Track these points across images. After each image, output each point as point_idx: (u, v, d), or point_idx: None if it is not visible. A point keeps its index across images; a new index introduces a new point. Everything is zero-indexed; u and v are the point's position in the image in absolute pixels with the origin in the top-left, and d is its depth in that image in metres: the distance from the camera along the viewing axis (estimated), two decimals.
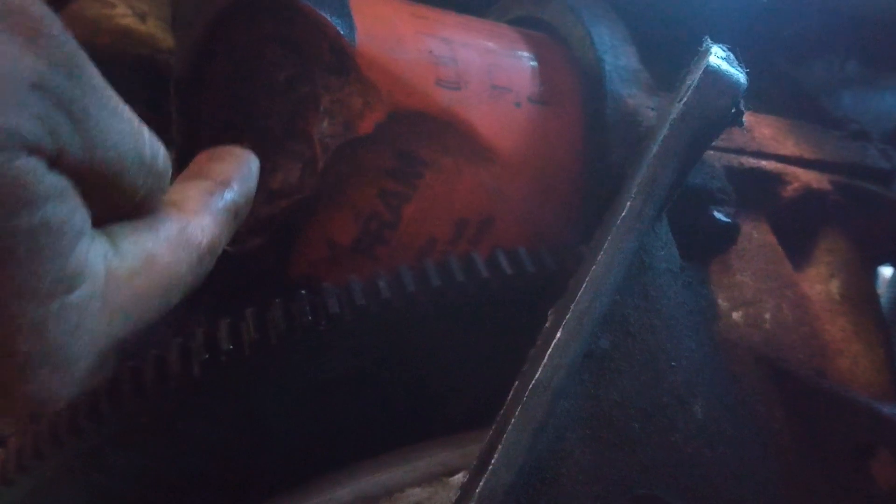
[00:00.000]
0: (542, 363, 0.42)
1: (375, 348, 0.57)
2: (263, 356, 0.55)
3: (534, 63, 0.70)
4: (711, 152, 0.65)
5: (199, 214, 0.45)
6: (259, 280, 0.69)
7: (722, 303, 0.61)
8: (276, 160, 0.66)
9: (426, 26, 0.65)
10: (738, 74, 0.49)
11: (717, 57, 0.50)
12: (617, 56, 0.69)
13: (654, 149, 0.48)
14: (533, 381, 0.42)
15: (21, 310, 0.32)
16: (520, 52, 0.70)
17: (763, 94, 0.86)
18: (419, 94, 0.62)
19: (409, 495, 0.51)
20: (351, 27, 0.60)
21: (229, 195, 0.48)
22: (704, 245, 0.60)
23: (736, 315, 0.60)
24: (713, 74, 0.48)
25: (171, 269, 0.41)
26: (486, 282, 0.58)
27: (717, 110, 0.48)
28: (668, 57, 0.64)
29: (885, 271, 1.36)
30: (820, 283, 0.69)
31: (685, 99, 0.48)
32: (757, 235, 0.65)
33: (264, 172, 0.67)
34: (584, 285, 0.44)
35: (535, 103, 0.68)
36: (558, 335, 0.43)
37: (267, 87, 0.66)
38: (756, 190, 0.67)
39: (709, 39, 0.53)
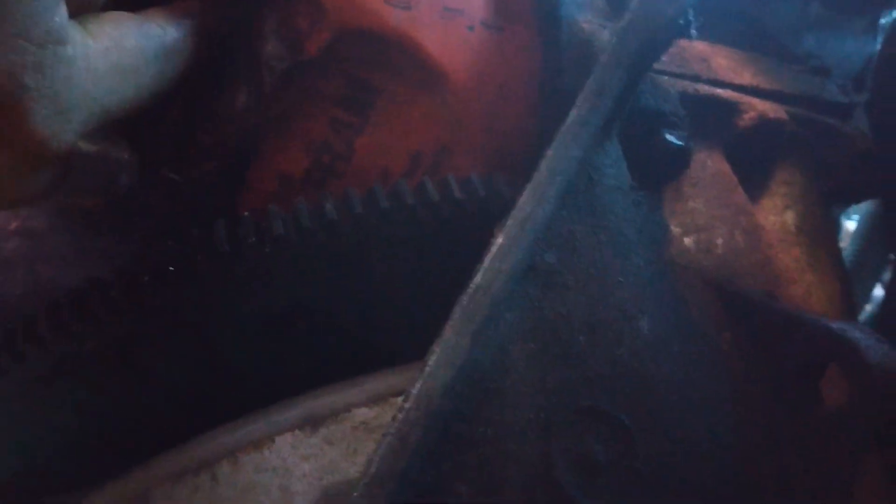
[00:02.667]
0: (482, 268, 0.41)
1: (324, 275, 0.56)
2: (209, 279, 0.53)
3: None
4: (666, 78, 0.64)
5: (156, 16, 0.54)
6: (208, 211, 0.67)
7: (674, 228, 0.60)
8: (222, 83, 0.64)
9: None
10: None
11: None
12: None
13: (602, 58, 0.47)
14: (471, 286, 0.40)
15: (24, 49, 0.40)
16: None
17: (726, 34, 0.85)
18: (367, 12, 0.60)
19: (355, 415, 0.50)
20: None
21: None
22: (657, 168, 0.59)
23: (687, 240, 0.60)
24: None
25: (138, 52, 0.50)
26: (437, 205, 0.56)
27: (664, 18, 0.47)
28: None
29: (849, 224, 1.37)
30: (775, 213, 0.68)
31: (632, 6, 0.47)
32: (711, 164, 0.65)
33: (210, 97, 0.65)
34: (525, 192, 0.43)
35: (488, 27, 0.66)
36: (498, 241, 0.42)
37: (207, 6, 0.63)
38: (711, 118, 0.66)
39: None
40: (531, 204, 0.43)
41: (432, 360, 0.38)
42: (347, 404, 0.50)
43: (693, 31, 0.49)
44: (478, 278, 0.41)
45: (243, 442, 0.48)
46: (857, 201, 0.97)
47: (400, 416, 0.38)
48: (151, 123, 0.66)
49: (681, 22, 0.48)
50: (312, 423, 0.49)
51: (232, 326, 0.55)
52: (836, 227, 1.24)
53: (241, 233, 0.53)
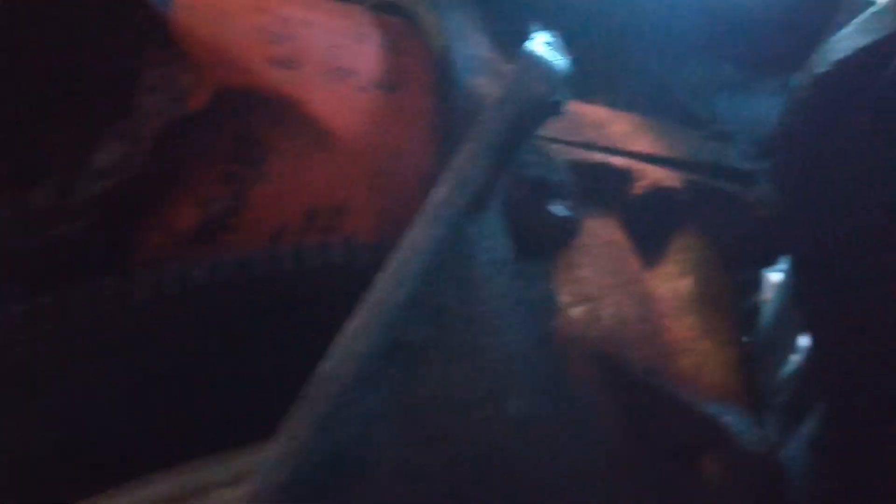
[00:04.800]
0: (334, 351, 0.39)
1: (190, 341, 0.53)
2: (64, 346, 0.50)
3: (383, 47, 0.67)
4: (558, 145, 0.64)
5: None
6: (91, 267, 0.64)
7: (563, 298, 0.59)
8: (100, 137, 0.62)
9: (262, 1, 0.62)
10: (559, 61, 0.47)
11: (539, 43, 0.48)
12: (467, 45, 0.66)
13: (468, 137, 0.46)
14: (320, 370, 0.38)
15: None
16: (369, 36, 0.67)
17: (629, 95, 0.85)
18: (248, 71, 0.59)
19: (217, 495, 0.47)
20: None
21: None
22: (544, 239, 0.58)
23: (575, 311, 0.58)
24: (530, 60, 0.46)
25: None
26: (313, 272, 0.55)
27: (534, 97, 0.46)
28: None
29: (773, 276, 1.39)
30: (670, 281, 0.68)
31: (505, 86, 0.46)
32: (603, 232, 0.64)
33: (88, 150, 0.62)
34: (384, 272, 0.42)
35: (381, 88, 0.65)
36: (351, 324, 0.40)
37: (89, 58, 0.61)
38: (604, 186, 0.66)
39: (534, 24, 0.51)
40: (391, 283, 0.41)
41: (273, 453, 0.36)
42: (209, 483, 0.47)
43: (563, 110, 0.49)
44: (329, 362, 0.39)
45: None
46: (761, 267, 0.97)
47: None
48: (28, 176, 0.63)
49: (555, 100, 0.48)
50: (170, 502, 0.46)
51: (88, 394, 0.52)
52: (755, 285, 1.25)
53: (100, 298, 0.50)
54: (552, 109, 0.48)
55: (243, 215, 0.64)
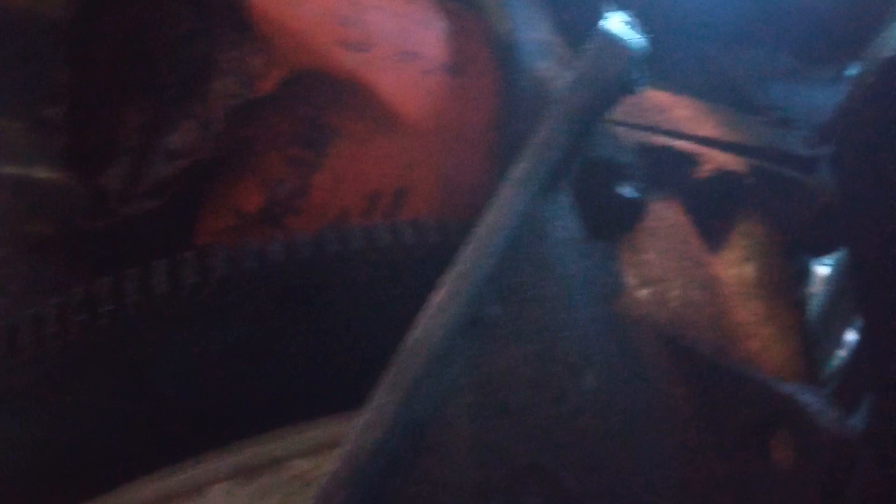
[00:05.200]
0: (419, 324, 0.40)
1: (267, 317, 0.54)
2: (147, 318, 0.52)
3: (448, 32, 0.68)
4: (624, 129, 0.64)
5: None
6: (160, 245, 0.66)
7: (628, 280, 0.59)
8: (174, 119, 0.63)
9: None
10: (636, 40, 0.47)
11: (616, 22, 0.48)
12: (531, 28, 0.67)
13: (548, 113, 0.46)
14: (407, 343, 0.39)
15: None
16: (433, 20, 0.68)
17: (689, 81, 0.85)
18: (320, 53, 0.59)
19: (292, 466, 0.48)
20: None
21: None
22: (611, 220, 0.59)
23: (642, 293, 0.58)
24: (608, 39, 0.46)
25: None
26: (387, 250, 0.55)
27: (612, 74, 0.46)
28: None
29: (822, 270, 1.37)
30: (734, 266, 0.67)
31: (581, 63, 0.46)
32: (668, 215, 0.64)
33: (161, 132, 0.64)
34: (468, 247, 0.42)
35: (446, 72, 0.66)
36: (438, 295, 0.41)
37: (164, 42, 0.63)
38: (669, 169, 0.66)
39: (607, 4, 0.51)
40: (472, 258, 0.42)
41: (362, 420, 0.37)
42: (284, 454, 0.48)
43: (638, 88, 0.49)
44: (415, 334, 0.39)
45: (173, 491, 0.45)
46: (821, 255, 0.96)
47: (324, 479, 0.36)
48: (103, 156, 0.65)
49: (629, 78, 0.48)
50: (247, 472, 0.47)
51: (169, 367, 0.53)
52: (807, 275, 1.24)
53: (182, 273, 0.51)
54: (629, 88, 0.48)
55: (308, 198, 0.65)
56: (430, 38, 0.66)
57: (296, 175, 0.65)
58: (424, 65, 0.65)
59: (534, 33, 0.67)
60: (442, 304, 0.40)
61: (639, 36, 0.49)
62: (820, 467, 0.45)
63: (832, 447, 0.44)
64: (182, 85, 0.62)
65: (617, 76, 0.47)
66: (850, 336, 1.24)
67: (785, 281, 0.70)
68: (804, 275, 1.22)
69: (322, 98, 0.63)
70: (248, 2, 0.58)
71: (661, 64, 0.86)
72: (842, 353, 1.24)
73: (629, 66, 0.47)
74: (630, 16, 0.50)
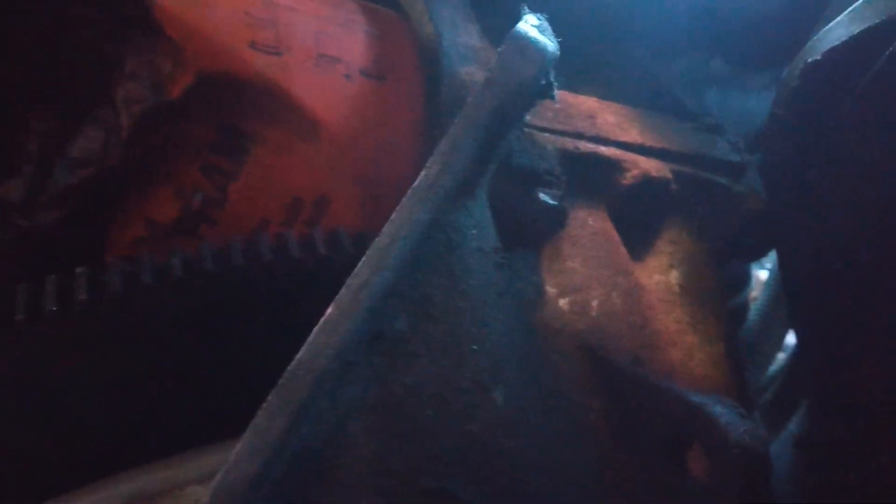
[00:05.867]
0: (308, 342, 0.38)
1: (167, 335, 0.52)
2: (35, 339, 0.49)
3: (371, 35, 0.66)
4: (547, 134, 0.63)
5: None
6: (65, 258, 0.63)
7: (550, 289, 0.58)
8: (78, 126, 0.60)
9: None
10: (548, 43, 0.46)
11: (528, 24, 0.47)
12: (457, 33, 0.65)
13: (456, 118, 0.45)
14: (292, 363, 0.37)
15: None
16: (356, 23, 0.66)
17: (620, 87, 0.84)
18: (230, 56, 0.57)
19: (188, 493, 0.46)
20: None
21: None
22: (531, 228, 0.58)
23: (563, 302, 0.58)
24: (519, 41, 0.45)
25: None
26: (298, 262, 0.54)
27: (523, 78, 0.45)
28: None
29: (761, 274, 1.39)
30: (659, 273, 0.67)
31: (491, 66, 0.45)
32: (592, 222, 0.63)
33: (63, 140, 0.61)
34: (362, 259, 0.40)
35: (368, 77, 0.64)
36: (328, 312, 0.39)
37: (69, 45, 0.60)
38: (593, 176, 0.65)
39: (525, 7, 0.50)
40: (368, 270, 0.40)
41: (237, 449, 0.35)
42: (182, 480, 0.46)
43: (555, 94, 0.48)
44: (301, 353, 0.37)
45: None
46: (751, 260, 0.97)
47: None
48: (4, 166, 0.62)
49: (542, 83, 0.47)
50: (142, 500, 0.45)
51: (64, 387, 0.50)
52: (746, 280, 1.25)
53: (73, 289, 0.49)
54: (542, 92, 0.47)
55: (225, 208, 0.63)
56: (351, 42, 0.65)
57: (212, 184, 0.63)
58: (345, 69, 0.63)
59: (458, 37, 0.66)
60: (335, 319, 0.38)
61: (551, 39, 0.47)
62: (733, 480, 0.45)
63: (742, 460, 0.43)
64: (88, 90, 0.60)
65: (528, 80, 0.45)
66: (791, 339, 1.26)
67: (710, 288, 0.70)
68: (743, 280, 1.23)
69: (236, 103, 0.61)
70: (156, 3, 0.55)
71: (594, 70, 0.86)
72: (782, 356, 1.25)
73: (541, 70, 0.46)
74: (544, 18, 0.49)
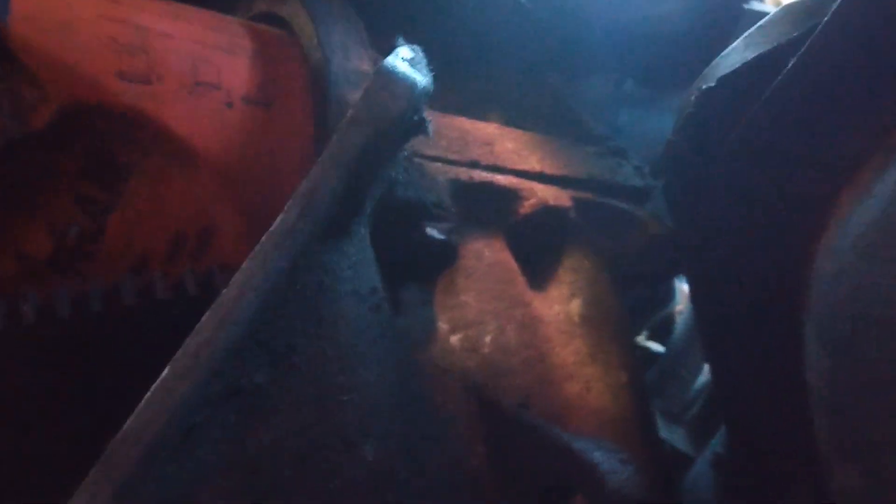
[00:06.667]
0: (136, 411, 0.35)
1: (29, 378, 0.48)
2: None
3: (256, 60, 0.63)
4: (439, 164, 0.61)
5: None
6: None
7: (441, 325, 0.56)
8: None
9: (114, 10, 0.57)
10: (420, 77, 0.44)
11: (400, 58, 0.44)
12: (347, 57, 0.63)
13: (319, 158, 0.42)
14: (118, 434, 0.34)
15: None
16: (240, 48, 0.63)
17: (527, 111, 0.83)
18: (95, 86, 0.54)
19: None
20: (3, 6, 0.51)
21: None
22: (420, 264, 0.55)
23: (454, 338, 0.55)
24: (387, 76, 0.43)
25: None
26: (163, 305, 0.50)
27: (390, 116, 0.42)
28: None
29: (686, 287, 1.39)
30: (559, 303, 0.65)
31: (355, 103, 0.42)
32: (489, 254, 0.61)
33: None
34: (206, 315, 0.38)
35: (252, 104, 0.62)
36: (163, 375, 0.36)
37: None
38: (490, 206, 0.63)
39: (401, 38, 0.47)
40: (211, 327, 0.37)
41: None
42: None
43: (428, 129, 0.46)
44: (127, 424, 0.34)
45: None
46: (655, 284, 0.97)
47: None
48: None
49: (413, 118, 0.44)
50: None
51: None
52: (671, 294, 1.25)
53: None
54: (413, 129, 0.45)
55: (103, 242, 0.59)
56: (233, 68, 0.62)
57: (87, 216, 0.59)
58: (225, 97, 0.60)
59: (349, 62, 0.64)
60: (166, 384, 0.35)
61: (424, 72, 0.45)
62: None
63: None
64: None
65: (396, 117, 0.43)
66: None
67: (613, 316, 0.69)
68: (669, 293, 1.23)
69: (109, 133, 0.58)
70: (9, 31, 0.52)
71: (501, 94, 0.84)
72: (707, 371, 1.26)
73: (410, 106, 0.43)
74: (417, 50, 0.47)
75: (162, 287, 0.51)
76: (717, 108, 0.64)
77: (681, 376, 1.23)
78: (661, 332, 1.29)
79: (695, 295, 0.79)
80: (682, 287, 1.39)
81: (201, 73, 0.59)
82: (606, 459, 0.44)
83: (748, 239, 0.62)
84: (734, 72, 0.63)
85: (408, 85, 0.43)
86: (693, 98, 0.65)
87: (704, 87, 0.65)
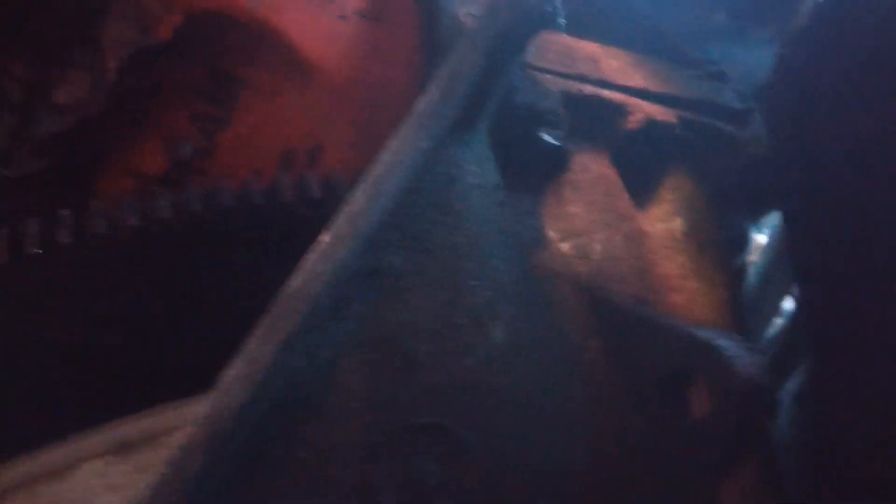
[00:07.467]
0: (300, 271, 0.36)
1: (152, 278, 0.50)
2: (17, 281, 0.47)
3: None
4: (550, 76, 0.61)
5: None
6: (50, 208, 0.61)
7: (551, 233, 0.57)
8: (62, 71, 0.58)
9: None
10: None
11: None
12: None
13: (458, 43, 0.43)
14: (284, 291, 0.36)
15: None
16: None
17: (623, 36, 0.82)
18: None
19: (171, 443, 0.44)
20: None
21: None
22: (533, 169, 0.56)
23: (564, 246, 0.56)
24: None
25: None
26: (289, 206, 0.52)
27: (526, 4, 0.43)
28: None
29: (760, 238, 1.37)
30: (662, 220, 0.65)
31: None
32: (595, 167, 0.61)
33: (46, 85, 0.59)
34: (359, 187, 0.39)
35: (364, 17, 0.62)
36: (323, 240, 0.37)
37: None
38: (596, 120, 0.63)
39: None
40: (363, 200, 0.38)
41: (227, 375, 0.33)
42: (162, 430, 0.44)
43: (561, 21, 0.46)
44: (293, 282, 0.36)
45: (43, 470, 0.42)
46: (754, 212, 0.95)
47: (178, 444, 0.32)
48: None
49: (548, 10, 0.45)
50: (122, 449, 0.43)
51: (46, 332, 0.49)
52: (746, 242, 1.23)
53: (54, 231, 0.47)
54: (546, 20, 0.45)
55: (215, 158, 0.61)
56: None
57: (201, 133, 0.61)
58: (339, 10, 0.61)
59: None
60: (326, 250, 0.37)
61: None
62: (736, 413, 0.43)
63: (749, 392, 0.42)
64: (71, 32, 0.58)
65: (533, 5, 0.43)
66: (788, 304, 1.24)
67: (713, 236, 0.69)
68: (743, 241, 1.21)
69: (227, 46, 0.60)
70: None
71: (597, 22, 0.84)
72: (780, 321, 1.24)
73: None
74: None
75: (286, 189, 0.52)
76: (832, 19, 0.63)
77: (753, 325, 1.21)
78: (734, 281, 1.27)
79: (790, 219, 0.78)
80: (757, 238, 1.36)
81: None
82: (732, 346, 0.44)
83: (862, 154, 0.60)
84: None
85: None
86: (808, 10, 0.64)
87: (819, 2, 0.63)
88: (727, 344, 0.44)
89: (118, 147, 0.61)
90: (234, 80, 0.61)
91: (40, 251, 0.46)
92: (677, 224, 0.66)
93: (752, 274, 1.24)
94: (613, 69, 0.68)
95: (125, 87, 0.58)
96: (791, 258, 0.90)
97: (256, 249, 0.52)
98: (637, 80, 0.68)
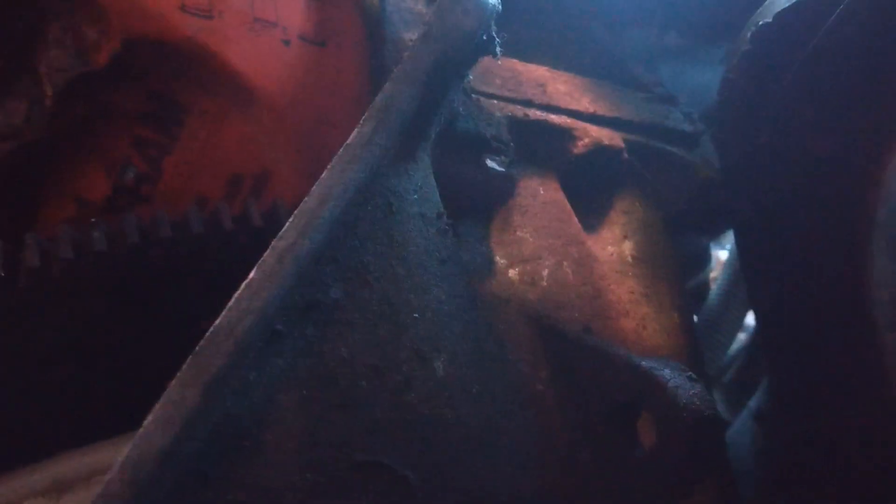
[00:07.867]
0: (227, 308, 0.35)
1: (92, 310, 0.49)
2: None
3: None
4: (494, 101, 0.61)
5: None
6: None
7: (499, 259, 0.56)
8: None
9: None
10: None
11: None
12: None
13: (392, 73, 0.43)
14: (210, 329, 0.35)
15: None
16: None
17: (571, 59, 0.82)
18: (157, 18, 0.54)
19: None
20: None
21: None
22: (479, 197, 0.56)
23: (512, 272, 0.56)
24: None
25: None
26: (228, 235, 0.51)
27: (461, 32, 0.42)
28: None
29: (721, 254, 1.38)
30: (612, 244, 0.65)
31: (428, 19, 0.43)
32: (543, 192, 0.61)
33: None
34: (289, 222, 0.38)
35: (308, 42, 0.62)
36: (251, 276, 0.36)
37: None
38: (544, 145, 0.63)
39: None
40: (294, 234, 0.38)
41: (148, 419, 0.32)
42: (101, 467, 0.43)
43: (498, 49, 0.46)
44: (220, 320, 0.35)
45: None
46: (706, 233, 0.96)
47: (100, 489, 0.31)
48: None
49: (483, 38, 0.44)
50: (59, 487, 0.42)
51: None
52: (706, 259, 1.24)
53: None
54: (484, 47, 0.45)
55: (160, 184, 0.60)
56: (289, 5, 0.62)
57: (144, 158, 0.60)
58: (282, 34, 0.61)
59: (404, 2, 0.64)
60: (254, 284, 0.36)
61: None
62: (682, 445, 0.43)
63: (691, 422, 0.42)
64: (7, 61, 0.56)
65: (468, 32, 0.43)
66: (751, 319, 1.26)
67: (665, 258, 0.69)
68: (703, 258, 1.22)
69: (167, 71, 0.58)
70: None
71: (546, 43, 0.84)
72: (742, 336, 1.25)
73: (482, 23, 0.43)
74: None
75: (227, 218, 0.51)
76: (773, 43, 0.64)
77: (716, 341, 1.22)
78: (696, 298, 1.28)
79: (743, 241, 0.79)
80: (717, 254, 1.38)
81: (259, 10, 0.59)
82: (676, 376, 0.44)
83: (806, 175, 0.61)
84: (792, 6, 0.63)
85: (479, 2, 0.43)
86: (749, 35, 0.65)
87: (761, 22, 0.64)
88: (670, 374, 0.44)
89: (60, 173, 0.60)
90: (176, 105, 0.59)
91: None
92: (627, 247, 0.66)
93: (713, 290, 1.25)
94: (561, 93, 0.68)
95: (66, 114, 0.56)
96: (744, 275, 0.91)
97: (197, 279, 0.51)
98: (585, 103, 0.68)
